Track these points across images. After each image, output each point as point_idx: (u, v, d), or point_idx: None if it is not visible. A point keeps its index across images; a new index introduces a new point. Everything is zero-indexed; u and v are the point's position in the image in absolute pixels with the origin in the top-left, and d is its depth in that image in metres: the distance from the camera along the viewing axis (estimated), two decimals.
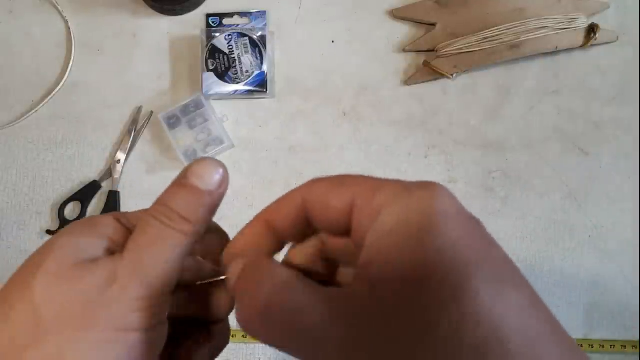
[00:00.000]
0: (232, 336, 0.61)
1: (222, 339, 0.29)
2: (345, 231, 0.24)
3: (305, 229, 0.25)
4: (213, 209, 0.26)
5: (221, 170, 0.26)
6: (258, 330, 0.22)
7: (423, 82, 0.65)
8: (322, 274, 0.26)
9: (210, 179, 0.26)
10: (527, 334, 0.18)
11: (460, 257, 0.19)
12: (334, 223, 0.24)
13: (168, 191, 0.26)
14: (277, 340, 0.21)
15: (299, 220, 0.25)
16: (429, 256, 0.19)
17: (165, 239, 0.25)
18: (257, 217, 0.26)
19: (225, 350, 0.30)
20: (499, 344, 0.18)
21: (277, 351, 0.68)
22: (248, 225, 0.27)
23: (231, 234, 0.28)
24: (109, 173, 0.65)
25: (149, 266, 0.24)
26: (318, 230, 0.26)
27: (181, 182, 0.26)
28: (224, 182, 0.26)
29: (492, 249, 0.20)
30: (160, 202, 0.26)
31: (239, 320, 0.23)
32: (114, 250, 0.25)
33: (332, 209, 0.23)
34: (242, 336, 0.62)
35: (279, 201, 0.26)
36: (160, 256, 0.24)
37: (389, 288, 0.20)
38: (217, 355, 0.29)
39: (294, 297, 0.21)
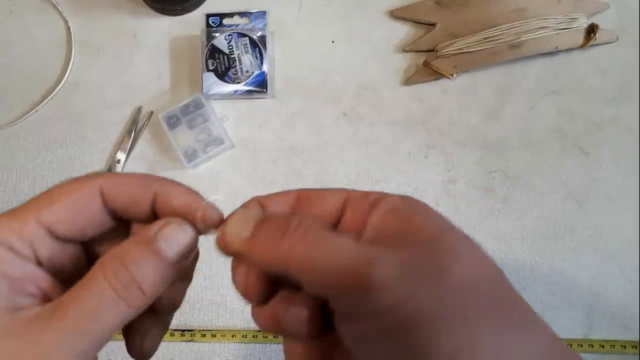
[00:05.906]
0: (232, 336, 0.61)
1: (169, 320, 0.29)
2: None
3: None
4: (172, 281, 0.24)
5: (191, 238, 0.24)
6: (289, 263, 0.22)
7: (423, 82, 0.65)
8: None
9: (179, 248, 0.23)
10: None
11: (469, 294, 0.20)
12: (326, 213, 0.25)
13: (130, 248, 0.23)
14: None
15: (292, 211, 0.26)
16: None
17: (114, 311, 0.22)
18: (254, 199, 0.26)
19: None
20: None
21: (277, 352, 0.68)
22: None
23: None
24: None
25: (87, 336, 0.21)
26: None
27: (148, 244, 0.23)
28: (192, 251, 0.24)
29: (507, 292, 0.22)
30: (119, 259, 0.22)
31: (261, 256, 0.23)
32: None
33: (327, 202, 0.25)
34: (242, 336, 0.62)
35: (275, 194, 0.26)
36: (103, 326, 0.22)
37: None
38: (164, 334, 0.28)
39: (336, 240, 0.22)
